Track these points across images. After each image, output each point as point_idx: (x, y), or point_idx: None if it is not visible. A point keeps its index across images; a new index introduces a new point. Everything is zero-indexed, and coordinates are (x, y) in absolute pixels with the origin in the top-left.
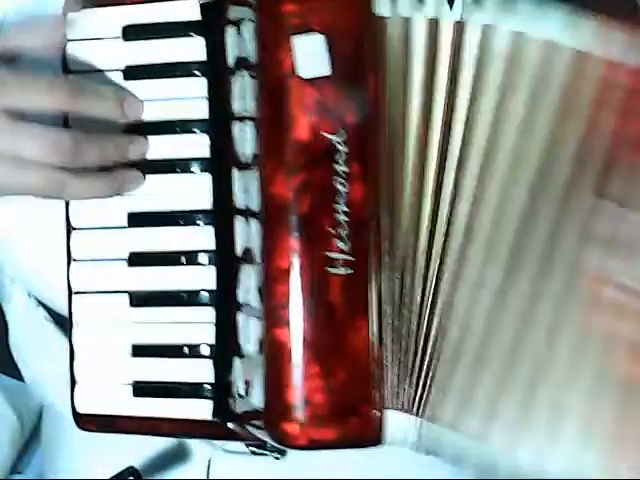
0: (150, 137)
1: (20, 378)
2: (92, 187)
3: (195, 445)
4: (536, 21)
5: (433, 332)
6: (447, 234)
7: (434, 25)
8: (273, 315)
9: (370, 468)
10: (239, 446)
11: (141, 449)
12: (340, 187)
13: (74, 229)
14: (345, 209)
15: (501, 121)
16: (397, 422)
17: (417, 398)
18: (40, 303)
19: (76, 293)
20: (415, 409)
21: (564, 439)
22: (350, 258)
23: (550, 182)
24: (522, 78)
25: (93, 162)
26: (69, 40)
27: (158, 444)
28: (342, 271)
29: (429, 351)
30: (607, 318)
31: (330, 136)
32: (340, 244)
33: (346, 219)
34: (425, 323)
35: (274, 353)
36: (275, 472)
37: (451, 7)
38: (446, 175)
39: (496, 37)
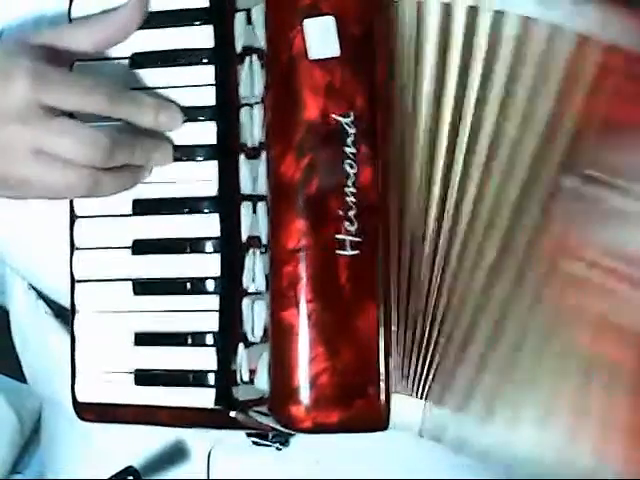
0: None
1: (20, 379)
2: (122, 183)
3: (195, 444)
4: (543, 6)
5: (440, 315)
6: (455, 218)
7: (447, 9)
8: (280, 297)
9: (379, 467)
10: (240, 441)
11: (141, 449)
12: (349, 169)
13: (78, 217)
14: (353, 191)
15: (507, 105)
16: (402, 406)
17: (423, 381)
18: (40, 296)
19: (78, 281)
20: (421, 393)
21: (528, 417)
22: (358, 240)
23: (545, 165)
24: (528, 63)
25: (122, 162)
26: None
27: (158, 444)
28: (350, 253)
29: (436, 334)
30: (575, 294)
31: (339, 117)
32: (348, 226)
33: (354, 201)
34: (432, 306)
35: (281, 335)
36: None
37: None
38: (455, 159)
39: (506, 22)
